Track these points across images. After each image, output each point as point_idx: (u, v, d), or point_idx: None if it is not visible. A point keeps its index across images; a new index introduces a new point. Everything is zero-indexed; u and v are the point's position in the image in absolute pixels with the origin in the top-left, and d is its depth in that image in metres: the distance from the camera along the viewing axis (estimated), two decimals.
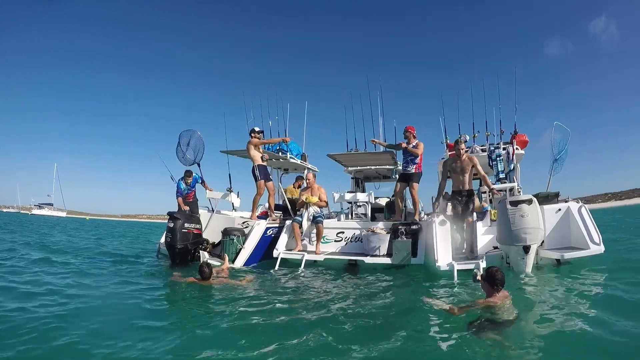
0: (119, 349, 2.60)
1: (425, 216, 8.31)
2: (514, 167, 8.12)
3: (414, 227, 6.30)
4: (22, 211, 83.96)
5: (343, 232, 6.97)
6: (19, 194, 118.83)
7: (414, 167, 6.95)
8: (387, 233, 6.40)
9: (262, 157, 7.56)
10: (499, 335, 2.62)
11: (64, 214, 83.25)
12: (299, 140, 9.84)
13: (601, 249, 5.34)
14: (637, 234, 10.72)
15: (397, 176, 7.30)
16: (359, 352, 2.49)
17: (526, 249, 5.01)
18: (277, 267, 6.26)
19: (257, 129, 7.85)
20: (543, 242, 5.63)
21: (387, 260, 6.10)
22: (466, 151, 6.28)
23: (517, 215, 5.08)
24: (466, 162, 6.05)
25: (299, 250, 6.62)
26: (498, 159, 7.93)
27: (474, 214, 6.10)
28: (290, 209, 7.52)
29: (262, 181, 7.46)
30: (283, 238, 6.94)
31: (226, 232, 6.76)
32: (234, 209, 8.54)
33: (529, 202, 5.10)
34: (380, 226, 6.65)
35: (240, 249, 6.59)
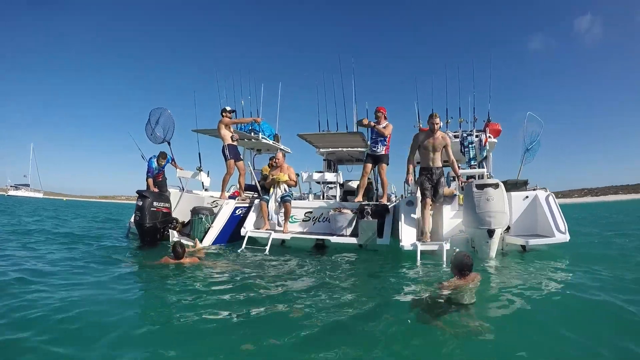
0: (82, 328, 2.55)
1: (394, 198, 8.47)
2: (486, 155, 8.24)
3: (380, 207, 6.40)
4: None
5: (311, 212, 7.02)
6: None
7: (384, 148, 6.98)
8: (354, 213, 6.51)
9: (232, 137, 7.54)
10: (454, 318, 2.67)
11: (40, 195, 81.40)
12: (272, 121, 9.83)
13: (566, 237, 5.36)
14: (608, 229, 10.97)
15: (366, 157, 7.33)
16: (324, 333, 2.49)
17: (490, 233, 4.94)
18: (244, 246, 6.29)
19: (228, 108, 7.79)
20: (509, 228, 5.64)
21: (353, 240, 6.18)
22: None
23: (483, 198, 5.01)
24: (439, 140, 5.78)
25: (266, 229, 6.66)
26: (470, 145, 7.93)
27: (443, 198, 5.93)
28: (259, 189, 7.55)
29: (232, 161, 7.45)
30: (251, 217, 6.96)
31: (195, 211, 6.76)
32: (204, 188, 8.52)
33: (495, 186, 5.06)
34: (347, 206, 6.73)
35: (209, 228, 6.63)
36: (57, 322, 2.66)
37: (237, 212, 7.03)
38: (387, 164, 7.09)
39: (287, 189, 6.97)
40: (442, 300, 3.00)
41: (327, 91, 8.94)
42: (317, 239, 6.42)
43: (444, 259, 5.04)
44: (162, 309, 3.16)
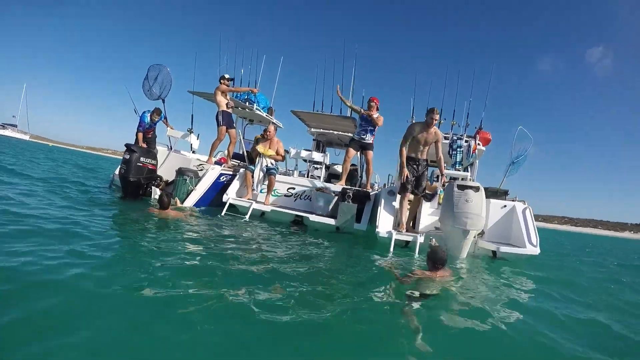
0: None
1: (377, 187, 8.63)
2: (472, 162, 8.32)
3: (362, 193, 6.51)
4: None
5: (294, 188, 7.12)
6: None
7: (372, 137, 7.11)
8: (336, 195, 6.65)
9: (227, 104, 7.56)
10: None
11: (27, 137, 79.73)
12: (269, 94, 9.83)
13: (537, 250, 5.50)
14: (585, 254, 11.29)
15: (350, 142, 7.38)
16: (292, 306, 2.48)
17: (465, 233, 5.00)
18: (224, 212, 6.40)
19: (227, 75, 7.78)
20: (483, 232, 5.74)
21: (331, 222, 6.28)
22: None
23: (462, 199, 5.06)
24: (432, 134, 5.85)
25: (248, 199, 6.76)
26: (458, 149, 8.03)
27: (425, 190, 6.03)
28: (247, 159, 7.63)
29: (224, 127, 7.49)
30: (234, 185, 7.05)
31: (180, 172, 6.81)
32: (192, 150, 8.56)
33: (476, 189, 5.12)
34: (329, 188, 6.85)
35: (192, 190, 6.72)
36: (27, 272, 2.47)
37: (221, 178, 7.11)
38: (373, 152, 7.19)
39: (273, 163, 7.06)
40: (408, 286, 3.15)
41: (327, 73, 8.98)
42: (297, 215, 6.55)
43: (417, 250, 5.23)
44: (139, 265, 3.02)
